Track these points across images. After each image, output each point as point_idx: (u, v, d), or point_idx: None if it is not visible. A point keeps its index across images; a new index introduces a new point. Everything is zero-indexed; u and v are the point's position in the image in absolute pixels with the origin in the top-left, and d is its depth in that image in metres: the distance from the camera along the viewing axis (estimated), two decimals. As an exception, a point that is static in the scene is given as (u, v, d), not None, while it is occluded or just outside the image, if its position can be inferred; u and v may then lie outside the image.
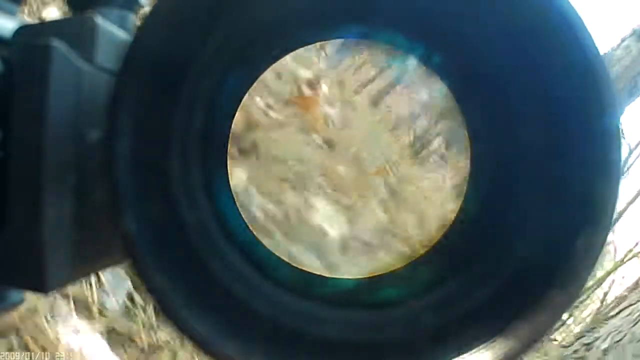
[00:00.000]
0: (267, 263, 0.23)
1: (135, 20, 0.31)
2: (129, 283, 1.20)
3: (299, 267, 0.23)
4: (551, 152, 0.20)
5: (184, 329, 0.19)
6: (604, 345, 1.59)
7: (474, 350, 0.19)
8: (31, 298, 0.98)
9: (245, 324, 0.21)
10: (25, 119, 0.22)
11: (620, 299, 1.65)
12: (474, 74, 0.22)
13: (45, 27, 0.26)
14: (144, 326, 1.18)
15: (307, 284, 0.23)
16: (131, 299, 1.20)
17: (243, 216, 0.24)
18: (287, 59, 0.23)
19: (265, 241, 0.22)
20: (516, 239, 0.20)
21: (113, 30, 0.25)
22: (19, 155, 0.22)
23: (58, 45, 0.22)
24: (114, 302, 1.16)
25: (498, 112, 0.22)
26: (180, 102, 0.21)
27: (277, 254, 0.23)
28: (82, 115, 0.23)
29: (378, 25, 0.23)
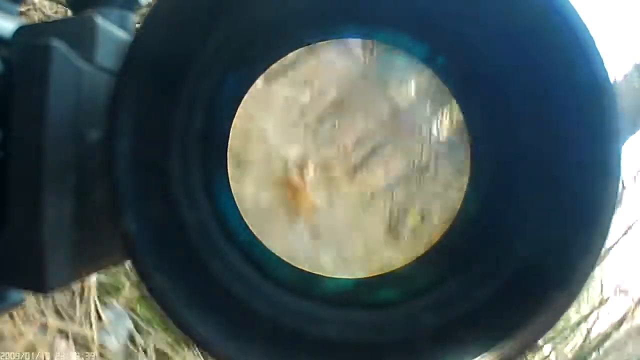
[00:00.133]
0: (267, 263, 0.23)
1: (135, 20, 0.31)
2: (130, 322, 1.17)
3: (299, 267, 0.23)
4: (551, 152, 0.20)
5: (184, 329, 0.19)
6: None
7: (474, 351, 0.19)
8: (30, 336, 0.97)
9: (245, 324, 0.21)
10: (25, 119, 0.22)
11: (605, 335, 1.64)
12: (474, 74, 0.22)
13: (45, 27, 0.26)
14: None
15: (307, 284, 0.23)
16: (132, 340, 1.17)
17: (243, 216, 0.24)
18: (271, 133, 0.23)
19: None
20: (516, 239, 0.20)
21: (113, 30, 0.25)
22: (19, 155, 0.22)
23: (58, 45, 0.22)
24: (115, 342, 1.13)
25: (498, 112, 0.22)
26: (180, 102, 0.21)
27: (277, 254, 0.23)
28: (82, 115, 0.23)
29: (378, 25, 0.23)
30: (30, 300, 0.99)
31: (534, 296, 0.19)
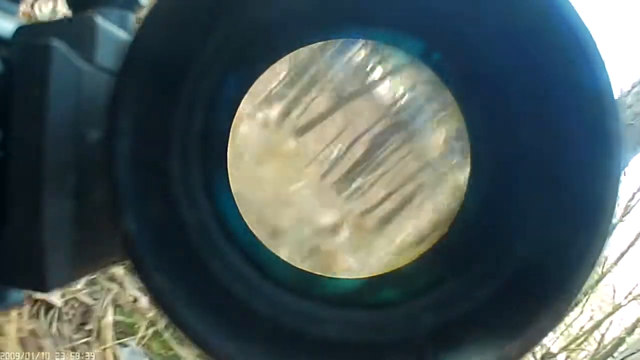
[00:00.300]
0: (267, 263, 0.23)
1: (135, 20, 0.31)
2: (146, 360, 1.18)
3: (299, 267, 0.23)
4: (551, 152, 0.20)
5: (184, 329, 0.19)
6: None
7: (474, 351, 0.19)
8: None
9: (245, 324, 0.21)
10: (25, 119, 0.22)
11: (619, 340, 1.63)
12: (474, 74, 0.22)
13: (45, 27, 0.26)
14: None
15: (307, 284, 0.23)
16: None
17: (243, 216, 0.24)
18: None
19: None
20: (516, 239, 0.20)
21: (113, 30, 0.25)
22: (19, 155, 0.22)
23: (58, 45, 0.22)
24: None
25: (498, 112, 0.22)
26: (180, 102, 0.21)
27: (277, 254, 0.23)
28: (82, 115, 0.23)
29: (378, 25, 0.23)
30: (47, 339, 0.99)
31: (534, 296, 0.19)
